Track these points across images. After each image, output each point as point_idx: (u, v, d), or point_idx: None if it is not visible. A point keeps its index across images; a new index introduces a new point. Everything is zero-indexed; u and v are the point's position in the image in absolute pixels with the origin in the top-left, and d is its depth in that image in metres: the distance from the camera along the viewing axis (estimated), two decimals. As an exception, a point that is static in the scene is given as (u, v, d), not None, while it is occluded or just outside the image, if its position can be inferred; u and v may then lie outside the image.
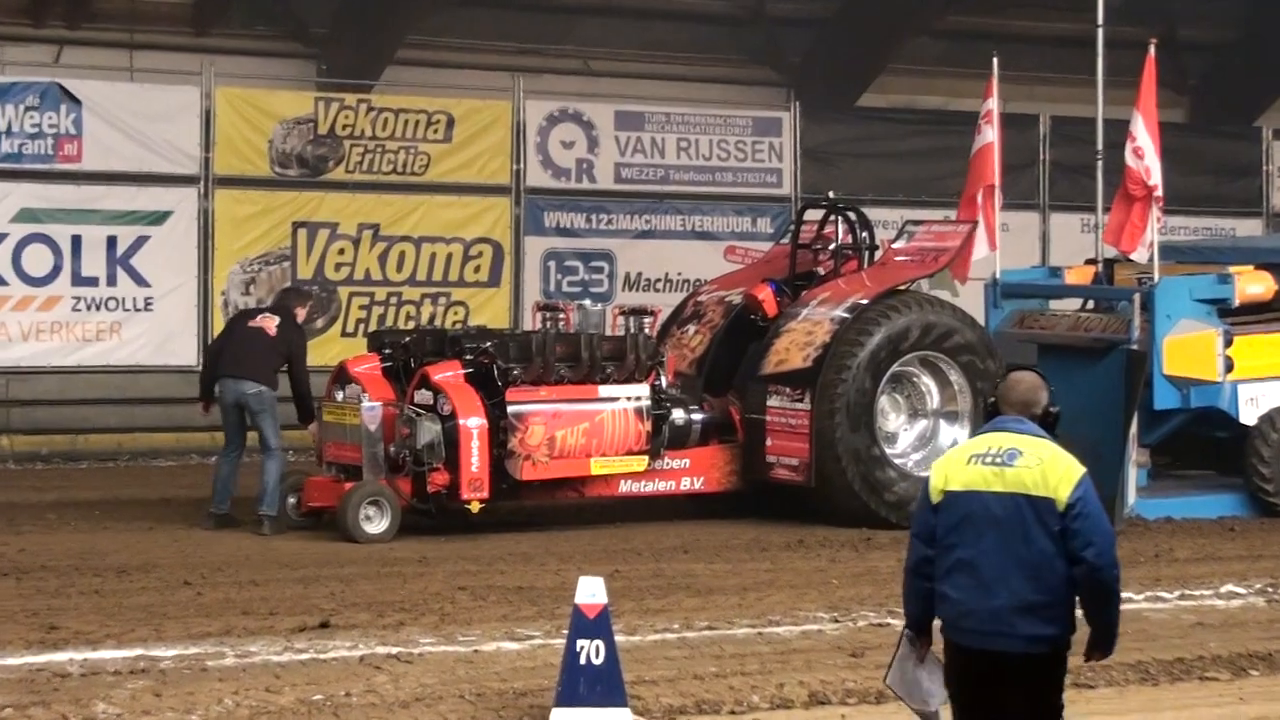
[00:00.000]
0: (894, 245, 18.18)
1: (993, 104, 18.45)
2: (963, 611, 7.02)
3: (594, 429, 15.88)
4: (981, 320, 18.11)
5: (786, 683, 10.44)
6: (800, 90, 26.93)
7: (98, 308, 21.67)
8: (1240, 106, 29.57)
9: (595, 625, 9.07)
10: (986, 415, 7.28)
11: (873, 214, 19.09)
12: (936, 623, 7.24)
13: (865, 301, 16.94)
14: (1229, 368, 17.66)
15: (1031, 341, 18.08)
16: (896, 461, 16.80)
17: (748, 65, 27.59)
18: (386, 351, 16.37)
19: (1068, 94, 26.63)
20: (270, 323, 16.18)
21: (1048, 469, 6.96)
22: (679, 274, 24.38)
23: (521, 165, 23.68)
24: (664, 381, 16.53)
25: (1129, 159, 17.59)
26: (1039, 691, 7.03)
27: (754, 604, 12.90)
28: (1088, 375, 16.66)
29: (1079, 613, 7.07)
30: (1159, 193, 17.53)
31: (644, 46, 26.75)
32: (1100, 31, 18.91)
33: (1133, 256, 17.98)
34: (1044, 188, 26.41)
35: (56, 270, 21.50)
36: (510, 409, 15.53)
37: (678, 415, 16.69)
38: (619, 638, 9.55)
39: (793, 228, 18.99)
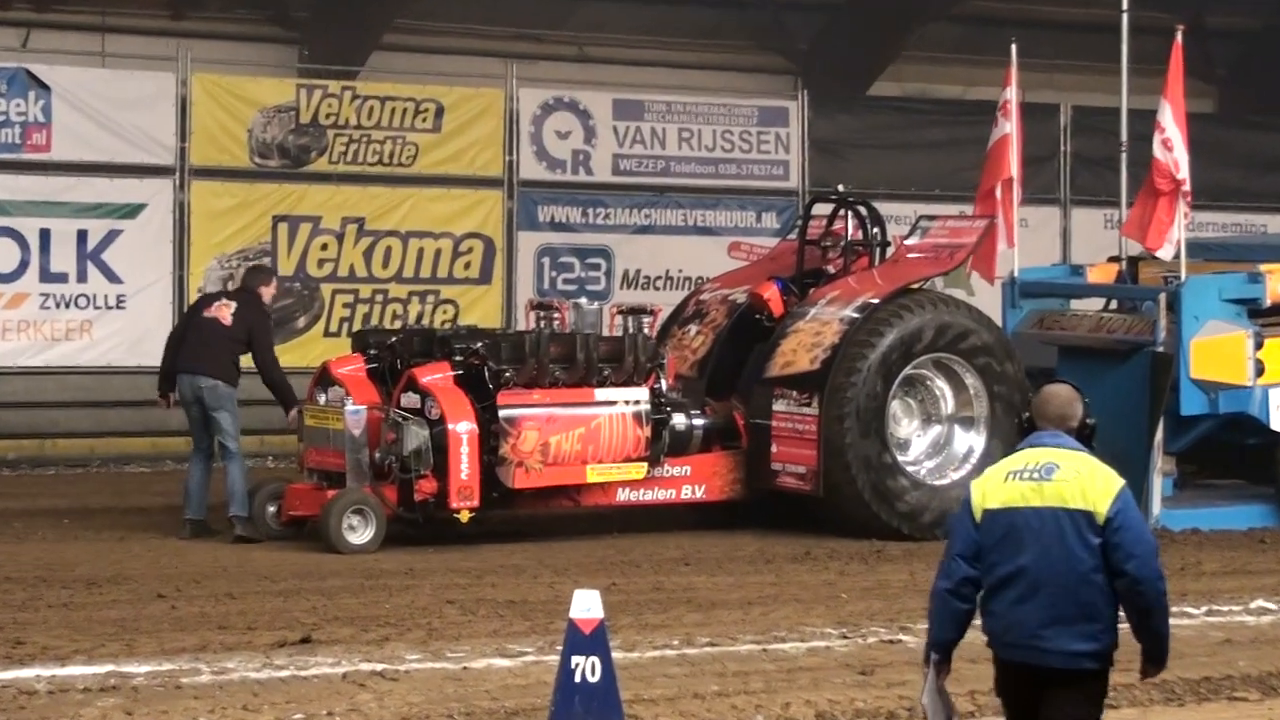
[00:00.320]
0: (907, 242, 18.20)
1: (1011, 93, 18.49)
2: (1006, 625, 7.24)
3: (590, 434, 15.88)
4: (999, 321, 18.13)
5: (792, 702, 10.45)
6: (808, 78, 26.90)
7: (67, 305, 21.67)
8: (1271, 97, 29.59)
9: (591, 641, 9.05)
10: (1021, 432, 7.49)
11: (884, 208, 19.07)
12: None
13: (876, 301, 16.94)
14: (1260, 371, 17.65)
15: (1051, 343, 18.11)
16: (909, 469, 16.80)
17: (753, 51, 27.62)
18: (372, 352, 16.37)
19: (1090, 83, 26.70)
20: (225, 310, 16.09)
21: (1086, 482, 7.17)
22: (680, 271, 24.40)
23: (514, 156, 23.68)
24: (664, 384, 16.53)
25: (1157, 151, 17.60)
26: (1080, 706, 7.22)
27: (758, 619, 12.91)
28: (1111, 379, 16.69)
29: (1124, 627, 7.21)
30: (1187, 187, 17.55)
31: (643, 31, 26.79)
32: (1125, 17, 18.98)
33: (1158, 254, 18.00)
34: (1065, 181, 26.45)
35: (24, 266, 21.50)
36: (502, 413, 15.53)
37: (678, 420, 16.69)
38: (616, 654, 9.52)
39: (800, 223, 19.00)
